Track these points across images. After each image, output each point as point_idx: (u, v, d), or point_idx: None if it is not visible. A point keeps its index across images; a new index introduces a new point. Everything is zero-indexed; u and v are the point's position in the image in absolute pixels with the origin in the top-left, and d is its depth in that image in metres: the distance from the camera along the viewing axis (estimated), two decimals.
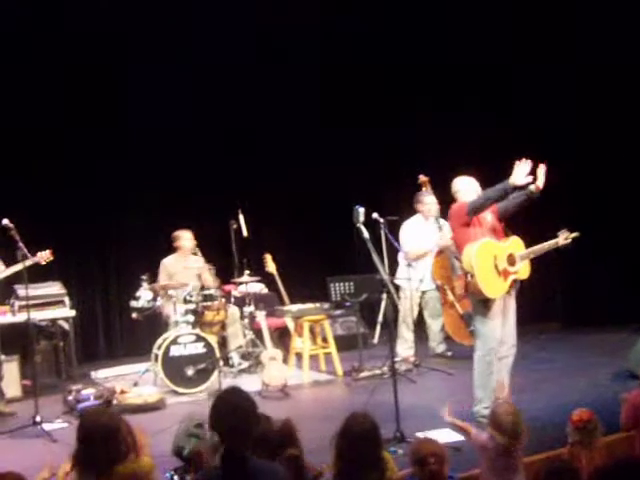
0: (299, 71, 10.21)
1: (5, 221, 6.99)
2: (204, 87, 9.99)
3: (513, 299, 6.27)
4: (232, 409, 3.54)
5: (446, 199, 8.78)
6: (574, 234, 6.39)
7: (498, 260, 6.12)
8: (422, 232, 8.84)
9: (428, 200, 8.83)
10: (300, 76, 10.21)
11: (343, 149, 10.27)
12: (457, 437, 5.47)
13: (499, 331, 6.12)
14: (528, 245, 6.32)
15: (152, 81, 9.56)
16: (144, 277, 8.72)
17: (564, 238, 6.38)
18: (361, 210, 6.35)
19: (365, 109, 10.32)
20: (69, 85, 9.54)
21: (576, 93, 9.72)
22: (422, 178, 8.88)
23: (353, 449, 3.85)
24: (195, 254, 9.01)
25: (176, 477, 4.64)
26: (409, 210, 8.99)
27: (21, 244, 7.00)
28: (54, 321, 8.73)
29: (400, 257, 8.90)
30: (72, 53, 9.40)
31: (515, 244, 6.28)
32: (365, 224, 6.40)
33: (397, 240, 8.75)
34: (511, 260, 6.16)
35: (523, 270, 6.28)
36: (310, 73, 10.26)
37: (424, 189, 8.87)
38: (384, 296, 7.08)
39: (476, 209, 6.12)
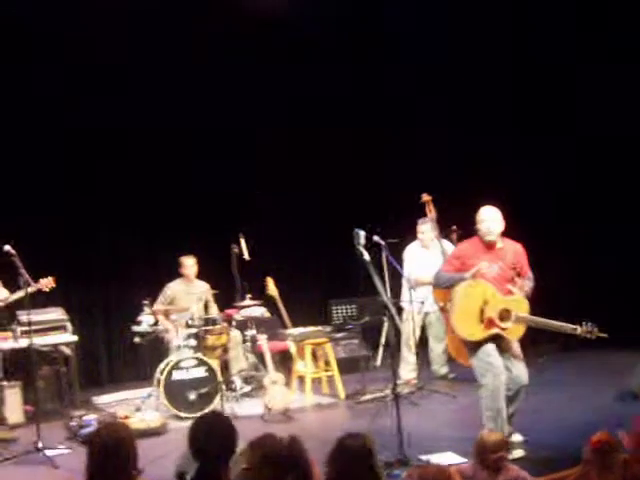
0: (298, 89, 10.27)
1: (7, 247, 7.00)
2: (205, 108, 10.03)
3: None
4: (206, 432, 3.74)
5: (450, 218, 8.89)
6: (601, 334, 5.84)
7: (487, 306, 5.85)
8: (424, 257, 8.84)
9: (423, 229, 8.85)
10: (304, 93, 10.28)
11: (343, 171, 10.31)
12: (460, 460, 5.47)
13: (494, 357, 5.88)
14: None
15: (155, 101, 9.60)
16: (146, 302, 8.74)
17: (586, 331, 5.83)
18: (361, 233, 6.28)
19: (364, 131, 10.36)
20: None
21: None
22: (425, 197, 8.82)
23: (347, 468, 3.84)
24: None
25: None
26: (412, 231, 8.99)
27: (23, 270, 7.01)
28: (56, 347, 8.70)
29: (404, 280, 8.89)
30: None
31: (518, 303, 5.93)
32: (366, 247, 6.37)
33: (399, 263, 8.75)
34: (504, 315, 5.86)
35: (513, 331, 5.92)
36: (331, 92, 10.31)
37: (427, 209, 8.83)
38: (386, 319, 7.09)
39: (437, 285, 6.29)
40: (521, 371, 5.97)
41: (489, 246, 6.02)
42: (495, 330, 5.86)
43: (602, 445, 4.38)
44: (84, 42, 8.86)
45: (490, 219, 6.01)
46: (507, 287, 5.95)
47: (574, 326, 5.87)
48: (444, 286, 6.12)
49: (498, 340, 5.93)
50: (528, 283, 6.06)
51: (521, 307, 5.93)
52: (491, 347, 5.90)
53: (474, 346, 5.93)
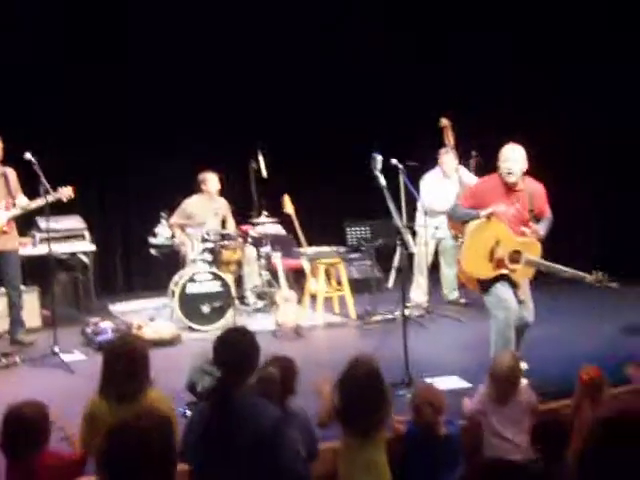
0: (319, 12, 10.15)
1: (28, 155, 7.04)
2: (224, 25, 9.94)
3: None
4: (231, 345, 3.77)
5: (470, 142, 8.85)
6: (611, 284, 5.78)
7: (499, 247, 5.78)
8: (443, 187, 8.78)
9: (445, 159, 8.78)
10: (318, 16, 10.15)
11: (363, 90, 10.23)
12: (464, 384, 5.58)
13: (506, 292, 5.81)
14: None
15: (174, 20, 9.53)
16: (163, 214, 8.81)
17: (595, 279, 5.79)
18: (378, 157, 6.15)
19: (391, 50, 10.26)
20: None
21: None
22: (443, 122, 8.74)
23: (356, 391, 3.95)
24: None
25: (189, 412, 4.77)
26: (431, 155, 8.96)
27: (43, 179, 7.05)
28: (74, 254, 8.84)
29: (419, 204, 8.88)
30: None
31: (530, 246, 5.84)
32: (383, 170, 6.28)
33: (416, 186, 8.73)
34: (515, 257, 5.78)
35: (522, 273, 5.85)
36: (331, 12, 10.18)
37: (445, 135, 8.76)
38: (399, 242, 7.10)
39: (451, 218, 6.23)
40: (527, 310, 5.93)
41: (509, 186, 5.87)
42: (504, 271, 5.79)
43: (590, 379, 4.52)
44: None
45: (512, 159, 5.83)
46: (521, 229, 5.86)
47: (584, 275, 5.82)
48: (459, 221, 6.09)
49: (507, 279, 5.87)
50: (544, 225, 5.96)
51: (533, 250, 5.84)
52: (503, 283, 5.84)
53: (484, 283, 5.90)
